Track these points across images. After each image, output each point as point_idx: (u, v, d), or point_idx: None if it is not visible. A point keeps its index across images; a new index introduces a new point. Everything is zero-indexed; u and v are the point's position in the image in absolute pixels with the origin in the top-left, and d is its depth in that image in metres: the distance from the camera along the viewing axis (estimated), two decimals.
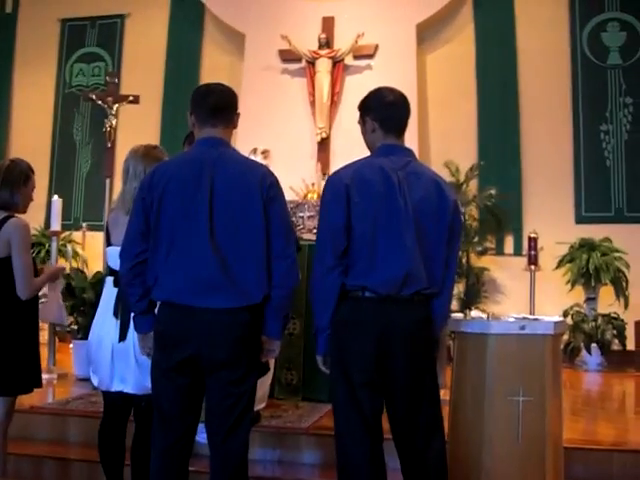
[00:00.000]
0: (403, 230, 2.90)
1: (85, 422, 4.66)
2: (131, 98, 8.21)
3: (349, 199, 2.91)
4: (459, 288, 8.32)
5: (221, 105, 3.05)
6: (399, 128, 3.08)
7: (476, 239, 8.44)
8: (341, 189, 2.94)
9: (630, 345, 7.70)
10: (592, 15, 9.31)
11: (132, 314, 3.11)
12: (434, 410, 3.00)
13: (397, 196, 2.92)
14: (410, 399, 2.94)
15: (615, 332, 7.70)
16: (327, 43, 9.29)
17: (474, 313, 3.27)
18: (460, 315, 3.36)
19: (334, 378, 3.01)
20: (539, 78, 9.18)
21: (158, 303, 3.01)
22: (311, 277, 3.05)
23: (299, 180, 8.42)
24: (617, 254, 7.98)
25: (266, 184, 2.95)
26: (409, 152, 3.10)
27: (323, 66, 9.21)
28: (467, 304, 7.65)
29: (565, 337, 7.79)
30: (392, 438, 3.02)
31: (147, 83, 9.71)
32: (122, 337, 3.43)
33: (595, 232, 8.31)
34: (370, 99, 3.12)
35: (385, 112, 3.07)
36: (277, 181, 3.02)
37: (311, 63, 9.29)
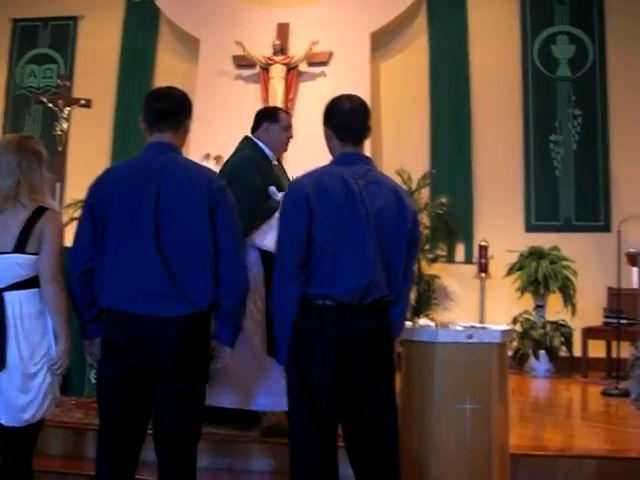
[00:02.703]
0: (365, 239, 2.90)
1: None
2: (83, 102, 8.12)
3: (310, 208, 2.89)
4: (410, 295, 8.37)
5: (169, 110, 3.02)
6: (357, 137, 3.06)
7: (427, 247, 8.48)
8: (302, 198, 2.92)
9: (577, 352, 7.80)
10: (543, 28, 9.46)
11: (80, 320, 3.06)
12: (393, 416, 3.00)
13: (358, 205, 2.91)
14: (370, 405, 2.94)
15: (563, 339, 7.81)
16: (282, 49, 9.29)
17: (422, 321, 3.29)
18: (409, 323, 3.37)
19: (293, 386, 2.98)
20: (491, 88, 9.29)
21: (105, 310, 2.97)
22: (272, 287, 3.01)
23: None
24: (565, 262, 8.07)
25: (213, 189, 2.92)
26: (368, 161, 3.10)
27: (277, 72, 9.21)
28: (418, 311, 7.68)
29: (514, 344, 7.89)
30: (345, 446, 3.01)
31: (100, 87, 9.59)
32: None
33: (544, 240, 8.42)
34: (328, 107, 3.11)
35: (341, 120, 3.05)
36: (225, 187, 3.00)
37: (265, 69, 9.28)
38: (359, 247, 2.89)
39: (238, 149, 4.62)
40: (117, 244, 2.88)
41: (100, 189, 2.95)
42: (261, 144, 4.53)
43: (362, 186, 2.95)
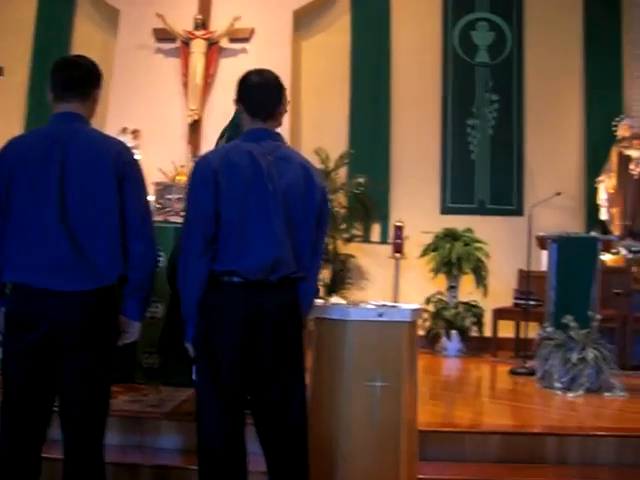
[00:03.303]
0: (272, 215, 2.87)
1: None
2: None
3: (217, 184, 2.86)
4: (324, 274, 8.41)
5: (75, 79, 2.92)
6: (266, 112, 3.01)
7: (343, 226, 8.52)
8: (209, 174, 2.88)
9: (487, 332, 7.99)
10: (463, 13, 9.59)
11: None
12: (300, 393, 3.00)
13: (265, 181, 2.89)
14: (277, 382, 2.93)
15: (474, 319, 7.99)
16: (203, 24, 9.13)
17: (334, 299, 3.30)
18: (320, 301, 3.37)
19: (199, 363, 2.96)
20: (411, 71, 9.37)
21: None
22: (178, 263, 2.97)
23: (169, 162, 8.27)
24: (478, 244, 8.23)
25: (121, 162, 2.86)
26: (278, 136, 3.05)
27: (198, 47, 9.06)
28: (332, 290, 7.73)
29: (427, 324, 8.03)
30: (254, 423, 3.00)
31: (13, 55, 9.24)
32: None
33: (459, 223, 8.57)
34: (239, 82, 3.06)
35: (250, 95, 3.01)
36: (134, 159, 2.94)
37: (186, 43, 9.11)
38: (266, 223, 2.87)
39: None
40: (20, 217, 2.80)
41: (3, 160, 2.84)
42: None
43: (270, 162, 2.92)
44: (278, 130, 3.09)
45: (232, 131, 4.60)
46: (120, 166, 2.86)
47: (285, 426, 2.95)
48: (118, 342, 2.98)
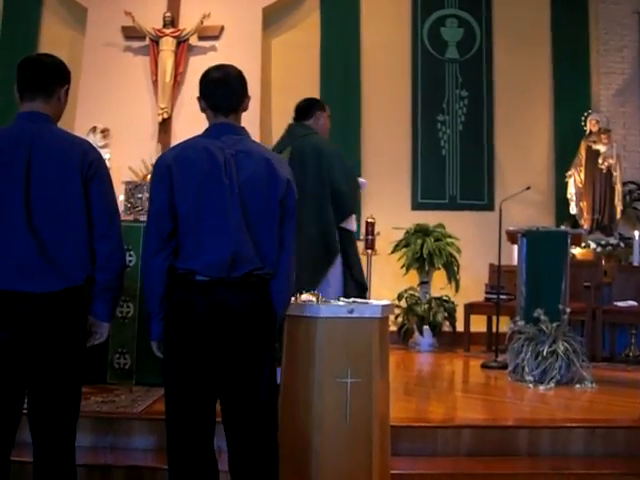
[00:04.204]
0: (228, 210, 2.85)
1: None
2: None
3: (172, 181, 2.85)
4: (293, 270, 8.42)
5: (40, 78, 2.90)
6: (228, 107, 2.98)
7: None
8: (164, 171, 2.88)
9: (460, 327, 8.03)
10: (433, 10, 9.65)
11: None
12: (270, 395, 2.98)
13: (222, 175, 2.86)
14: (245, 383, 2.91)
15: (446, 314, 8.03)
16: (172, 22, 9.08)
17: (304, 296, 3.29)
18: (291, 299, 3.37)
19: (166, 362, 2.94)
20: (381, 68, 9.40)
21: None
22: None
23: (139, 161, 8.23)
24: (450, 240, 8.28)
25: (87, 161, 2.84)
26: (240, 130, 3.02)
27: (167, 45, 9.01)
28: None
29: (399, 319, 8.06)
30: (223, 421, 3.00)
31: None
32: None
33: (430, 218, 8.61)
34: (201, 78, 3.04)
35: (211, 90, 2.99)
36: (100, 158, 2.92)
37: (155, 41, 9.06)
38: (222, 219, 2.85)
39: (305, 134, 4.96)
40: None
41: None
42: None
43: (229, 156, 2.89)
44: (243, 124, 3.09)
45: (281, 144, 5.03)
46: (86, 166, 2.84)
47: (254, 419, 2.93)
48: (87, 343, 2.96)
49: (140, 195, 7.28)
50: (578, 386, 5.83)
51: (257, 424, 2.94)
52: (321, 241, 4.75)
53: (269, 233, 2.93)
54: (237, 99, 3.02)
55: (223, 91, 2.99)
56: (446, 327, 8.09)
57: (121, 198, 7.50)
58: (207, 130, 3.01)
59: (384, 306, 3.32)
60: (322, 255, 4.75)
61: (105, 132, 8.50)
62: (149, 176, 8.13)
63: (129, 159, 8.20)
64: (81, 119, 8.52)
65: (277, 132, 9.21)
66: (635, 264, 8.22)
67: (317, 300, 3.21)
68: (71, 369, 2.86)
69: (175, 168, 2.87)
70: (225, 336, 2.85)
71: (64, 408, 2.85)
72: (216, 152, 2.89)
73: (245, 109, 3.07)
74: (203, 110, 3.03)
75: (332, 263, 4.77)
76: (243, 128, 3.04)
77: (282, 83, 9.19)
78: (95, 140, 8.21)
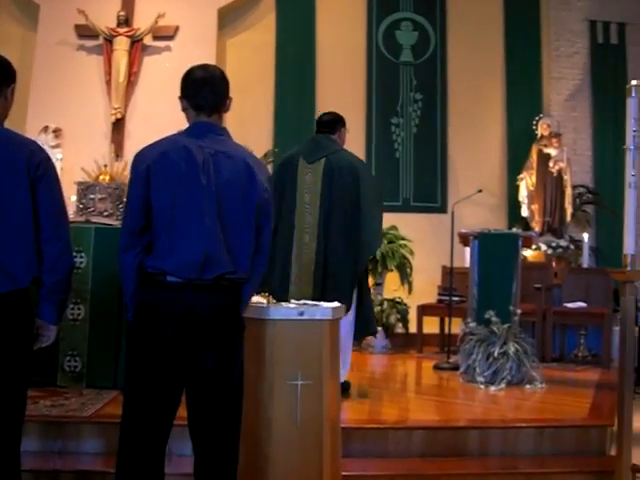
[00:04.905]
0: (203, 211, 2.81)
1: None
2: None
3: (149, 179, 2.82)
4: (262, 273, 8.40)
5: None
6: (210, 106, 2.94)
7: None
8: (143, 167, 2.84)
9: (412, 328, 8.07)
10: (388, 13, 9.72)
11: None
12: (238, 401, 2.95)
13: (199, 175, 2.82)
14: (214, 388, 2.86)
15: (399, 316, 8.07)
16: (126, 21, 8.99)
17: (255, 298, 3.28)
18: None
19: (130, 364, 2.90)
20: (336, 70, 9.43)
21: None
22: None
23: (91, 161, 8.13)
24: (403, 242, 8.32)
25: (34, 162, 2.79)
26: (222, 130, 2.98)
27: (121, 45, 8.90)
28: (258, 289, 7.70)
29: None
30: (189, 426, 2.94)
31: None
32: None
33: (384, 220, 8.60)
34: (183, 77, 3.00)
35: (193, 89, 2.95)
36: (48, 159, 2.87)
37: (109, 41, 8.95)
38: (197, 219, 2.81)
39: (340, 150, 5.30)
40: None
41: None
42: None
43: (208, 156, 2.85)
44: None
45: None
46: (33, 166, 2.79)
47: (222, 426, 2.90)
48: (34, 346, 2.91)
49: (92, 196, 7.23)
50: (528, 387, 5.90)
51: (225, 430, 2.90)
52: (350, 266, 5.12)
53: (244, 237, 2.89)
54: (220, 99, 2.99)
55: (207, 91, 2.95)
56: (399, 329, 8.14)
57: (73, 199, 7.44)
58: (188, 128, 2.97)
59: (335, 308, 3.32)
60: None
61: (57, 132, 8.38)
62: (101, 177, 8.11)
63: (82, 159, 8.11)
64: (33, 118, 8.39)
65: (232, 133, 9.20)
66: (585, 266, 8.37)
67: (267, 302, 3.20)
68: (16, 372, 2.80)
69: (153, 166, 2.83)
70: (194, 340, 2.80)
71: (8, 412, 2.79)
72: (195, 151, 2.85)
73: (227, 110, 3.04)
74: (184, 110, 2.99)
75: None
76: (225, 129, 3.01)
77: (237, 84, 8.92)
78: (47, 140, 8.11)
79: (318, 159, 5.15)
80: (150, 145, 2.96)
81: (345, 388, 5.11)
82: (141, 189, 2.83)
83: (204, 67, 3.02)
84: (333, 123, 5.38)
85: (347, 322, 4.95)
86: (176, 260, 2.79)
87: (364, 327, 5.31)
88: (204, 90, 2.95)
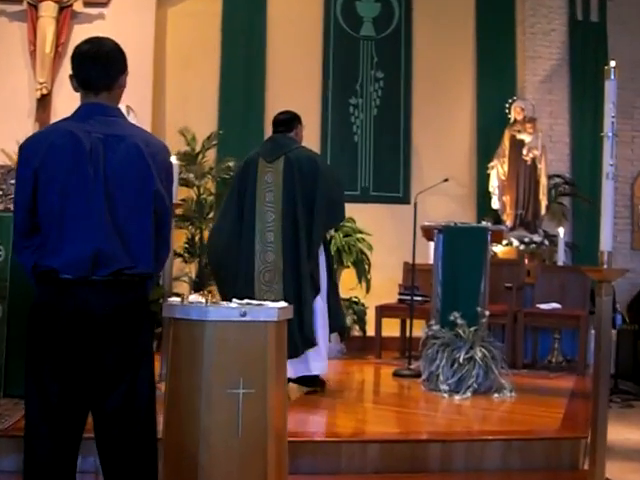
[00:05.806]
0: (92, 204, 2.78)
1: None
2: None
3: (37, 173, 2.78)
4: (190, 269, 8.35)
5: None
6: (97, 84, 2.89)
7: (211, 215, 8.44)
8: (29, 170, 2.80)
9: (370, 331, 8.11)
10: None
11: None
12: (143, 403, 2.93)
13: (86, 165, 2.78)
14: (113, 393, 2.84)
15: (356, 317, 8.10)
16: None
17: (193, 297, 3.25)
18: (177, 299, 3.33)
19: (26, 369, 2.85)
20: (289, 44, 9.41)
21: None
22: None
23: (13, 142, 7.97)
24: (360, 235, 8.32)
25: None
26: (113, 111, 2.93)
27: (48, 11, 8.73)
28: (200, 287, 7.65)
29: None
30: (95, 440, 2.92)
31: None
32: None
33: None
34: (72, 53, 2.95)
35: (79, 66, 2.90)
36: None
37: (34, 6, 8.77)
38: (85, 213, 2.78)
39: (298, 147, 5.94)
40: None
41: None
42: None
43: (96, 140, 2.81)
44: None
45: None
46: None
47: (126, 436, 2.89)
48: None
49: (13, 181, 7.09)
50: (496, 395, 5.96)
51: (135, 441, 2.89)
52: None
53: (141, 229, 2.87)
54: (109, 75, 2.93)
55: (92, 65, 2.89)
56: (356, 331, 8.18)
57: None
58: (75, 112, 2.91)
59: (281, 309, 3.30)
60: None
61: None
62: None
63: (2, 140, 7.97)
64: None
65: (172, 114, 9.23)
66: (560, 264, 8.47)
67: (206, 301, 3.18)
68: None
69: (41, 164, 2.79)
70: (93, 342, 2.78)
71: None
72: (82, 137, 2.79)
73: (121, 86, 2.98)
74: (75, 90, 2.94)
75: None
76: (117, 109, 2.96)
77: (179, 58, 9.08)
78: None
79: (277, 158, 5.76)
80: (34, 135, 2.93)
81: (317, 384, 5.89)
82: (28, 191, 2.81)
83: (92, 40, 2.97)
84: (289, 121, 6.00)
85: (320, 313, 5.76)
86: (65, 259, 2.77)
87: (338, 320, 6.01)
88: (88, 65, 2.90)
